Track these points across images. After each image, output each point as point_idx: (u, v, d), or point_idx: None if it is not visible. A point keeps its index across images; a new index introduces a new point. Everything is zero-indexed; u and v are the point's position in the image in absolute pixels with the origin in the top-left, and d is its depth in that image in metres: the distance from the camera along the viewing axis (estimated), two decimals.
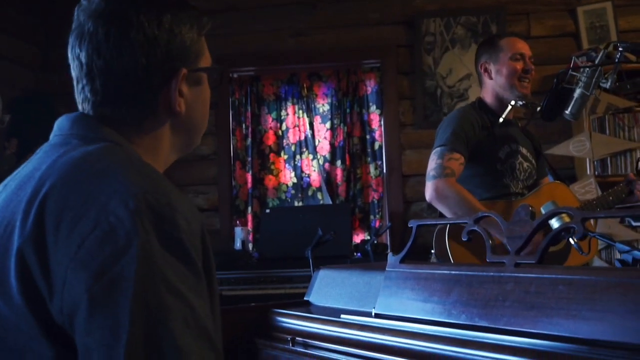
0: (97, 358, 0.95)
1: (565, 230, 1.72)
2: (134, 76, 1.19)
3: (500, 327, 1.38)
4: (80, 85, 1.22)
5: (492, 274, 1.47)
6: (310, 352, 1.71)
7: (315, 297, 2.11)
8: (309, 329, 1.78)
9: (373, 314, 1.69)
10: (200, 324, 1.00)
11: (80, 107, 1.24)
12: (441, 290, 1.56)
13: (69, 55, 1.23)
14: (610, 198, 2.88)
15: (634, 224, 4.28)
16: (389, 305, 1.67)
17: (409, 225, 1.76)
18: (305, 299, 2.13)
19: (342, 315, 1.74)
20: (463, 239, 1.61)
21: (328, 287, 2.08)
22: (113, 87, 1.20)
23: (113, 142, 1.17)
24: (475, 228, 1.59)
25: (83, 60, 1.20)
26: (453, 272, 1.57)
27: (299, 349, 1.75)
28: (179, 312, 0.97)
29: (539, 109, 2.87)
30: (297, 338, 1.78)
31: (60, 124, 1.22)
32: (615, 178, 4.10)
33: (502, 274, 1.45)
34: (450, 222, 1.91)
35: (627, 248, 1.77)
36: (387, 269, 1.74)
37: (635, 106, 4.34)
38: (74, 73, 1.23)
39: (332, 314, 1.80)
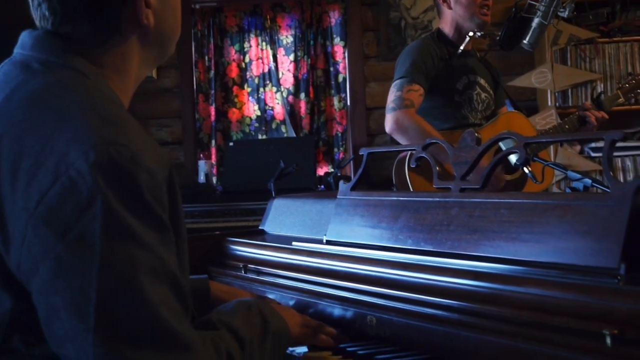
0: (66, 317, 0.94)
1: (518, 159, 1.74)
2: None
3: (445, 250, 1.40)
4: (36, 2, 1.13)
5: (437, 199, 1.49)
6: (262, 278, 1.74)
7: (270, 225, 2.12)
8: (261, 256, 1.80)
9: (324, 241, 1.71)
10: (169, 272, 1.00)
11: (38, 24, 1.16)
12: (389, 216, 1.58)
13: None
14: (567, 127, 2.91)
15: (592, 154, 4.34)
16: (339, 232, 1.69)
17: (360, 153, 1.77)
18: (260, 227, 2.15)
19: (293, 243, 1.76)
20: (412, 166, 1.63)
21: (282, 215, 2.09)
22: (72, 3, 1.10)
23: (77, 71, 1.10)
24: (424, 155, 1.60)
25: None
26: (401, 198, 1.59)
27: (251, 276, 1.77)
28: (147, 265, 0.97)
29: (497, 38, 2.87)
30: (249, 265, 1.80)
31: (23, 41, 1.15)
32: (576, 109, 4.13)
33: (447, 199, 1.46)
34: (399, 149, 1.92)
35: (578, 176, 1.79)
36: (338, 196, 1.75)
37: (597, 37, 4.35)
38: None
39: (284, 242, 1.82)
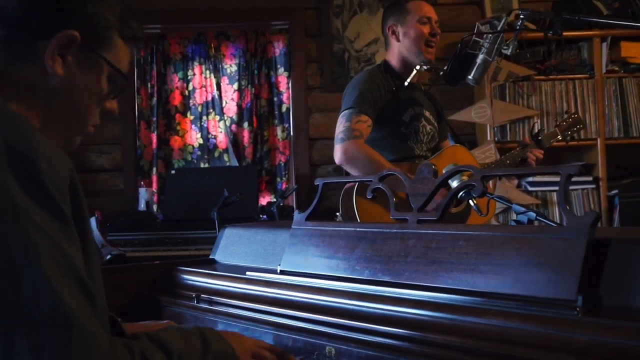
0: None
1: (465, 191, 1.77)
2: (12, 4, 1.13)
3: (402, 281, 1.42)
4: None
5: (395, 230, 1.50)
6: (215, 308, 1.72)
7: (221, 255, 2.10)
8: (215, 286, 1.78)
9: (278, 271, 1.70)
10: (69, 262, 0.98)
11: None
12: (346, 247, 1.58)
13: None
14: (508, 162, 2.98)
15: (530, 188, 4.46)
16: (294, 262, 1.69)
17: (316, 184, 1.78)
18: (210, 257, 2.13)
19: (248, 273, 1.75)
20: (368, 197, 1.64)
21: (234, 245, 2.08)
22: None
23: None
24: (380, 186, 1.62)
25: None
26: (358, 229, 1.60)
27: (204, 306, 1.75)
28: (47, 252, 0.95)
29: (441, 73, 2.94)
30: (202, 295, 1.77)
31: None
32: (514, 144, 4.24)
33: (404, 231, 1.48)
34: (356, 180, 1.92)
35: (522, 209, 1.84)
36: (292, 226, 1.75)
37: (534, 75, 4.48)
38: None
39: (237, 272, 1.80)
